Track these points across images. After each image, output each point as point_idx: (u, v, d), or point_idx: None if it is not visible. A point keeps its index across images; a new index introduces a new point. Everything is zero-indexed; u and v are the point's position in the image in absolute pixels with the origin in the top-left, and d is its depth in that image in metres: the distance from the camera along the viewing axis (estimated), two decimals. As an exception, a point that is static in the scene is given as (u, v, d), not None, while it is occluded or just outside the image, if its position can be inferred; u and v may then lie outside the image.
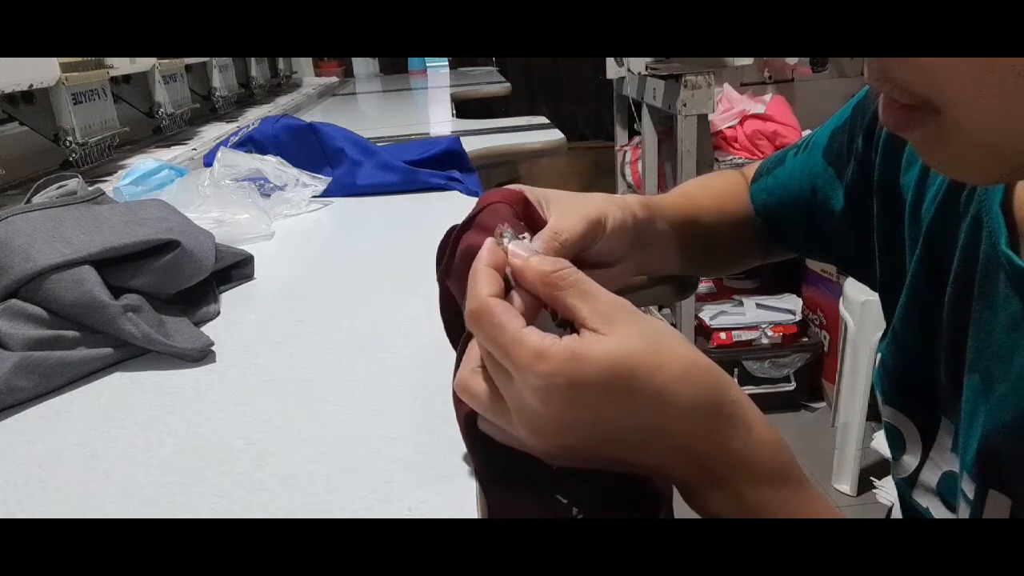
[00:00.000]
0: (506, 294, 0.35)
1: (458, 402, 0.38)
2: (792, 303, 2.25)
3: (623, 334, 0.32)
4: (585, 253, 0.45)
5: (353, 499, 0.39)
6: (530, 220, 0.43)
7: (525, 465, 0.36)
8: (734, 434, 0.33)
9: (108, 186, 0.99)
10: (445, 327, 0.47)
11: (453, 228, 0.44)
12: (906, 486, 0.48)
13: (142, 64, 1.45)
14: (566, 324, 0.34)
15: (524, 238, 0.38)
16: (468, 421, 0.38)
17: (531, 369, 0.31)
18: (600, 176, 3.30)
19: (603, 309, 0.33)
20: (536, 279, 0.34)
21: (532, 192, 0.45)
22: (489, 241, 0.36)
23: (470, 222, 0.43)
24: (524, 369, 0.31)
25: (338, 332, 0.61)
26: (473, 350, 0.37)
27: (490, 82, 2.79)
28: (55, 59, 1.09)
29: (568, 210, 0.45)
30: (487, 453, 0.38)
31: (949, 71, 0.28)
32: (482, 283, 0.34)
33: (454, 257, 0.42)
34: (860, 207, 0.52)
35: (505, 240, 0.36)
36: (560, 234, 0.42)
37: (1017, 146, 0.29)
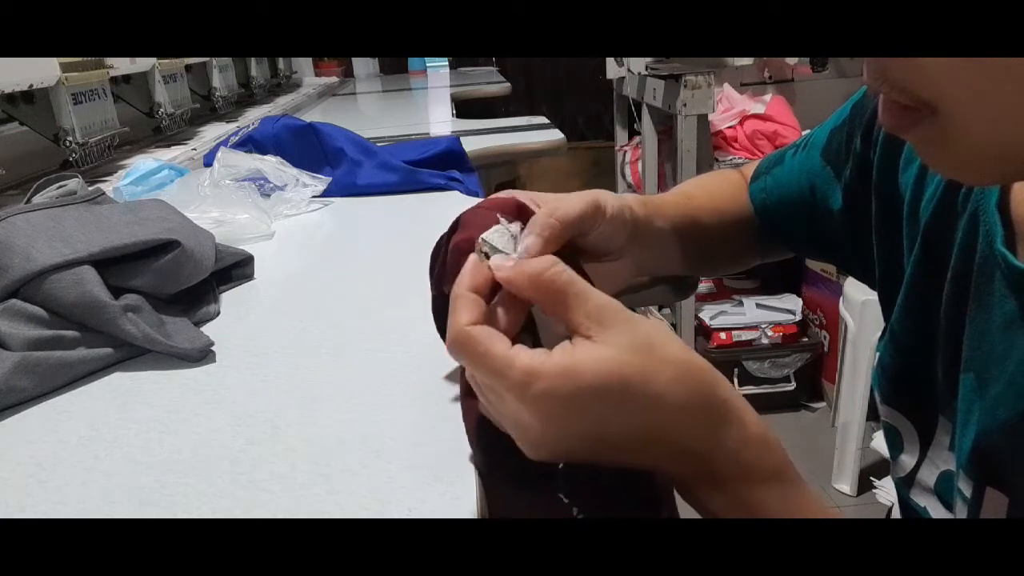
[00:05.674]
0: (490, 300, 0.34)
1: (463, 396, 0.38)
2: (792, 303, 2.25)
3: (615, 342, 0.31)
4: (584, 240, 0.44)
5: (353, 499, 0.39)
6: (524, 220, 0.43)
7: (527, 462, 0.36)
8: (729, 431, 0.34)
9: (108, 186, 0.99)
10: (440, 333, 0.47)
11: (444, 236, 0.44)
12: (904, 486, 0.48)
13: (142, 64, 1.45)
14: None
15: (515, 225, 0.37)
16: (471, 414, 0.38)
17: (525, 390, 0.31)
18: (600, 176, 3.30)
19: (595, 312, 0.32)
20: (525, 283, 0.33)
21: (525, 194, 0.44)
22: (472, 258, 0.35)
23: (456, 226, 0.42)
24: (517, 391, 0.31)
25: (338, 332, 0.61)
26: None
27: (490, 82, 2.79)
28: (55, 59, 1.09)
29: (563, 196, 0.44)
30: (489, 449, 0.38)
31: (947, 72, 0.28)
32: (461, 312, 0.33)
33: (446, 262, 0.42)
34: (859, 207, 0.52)
35: (486, 250, 0.35)
36: (556, 210, 0.40)
37: (1015, 147, 0.29)
